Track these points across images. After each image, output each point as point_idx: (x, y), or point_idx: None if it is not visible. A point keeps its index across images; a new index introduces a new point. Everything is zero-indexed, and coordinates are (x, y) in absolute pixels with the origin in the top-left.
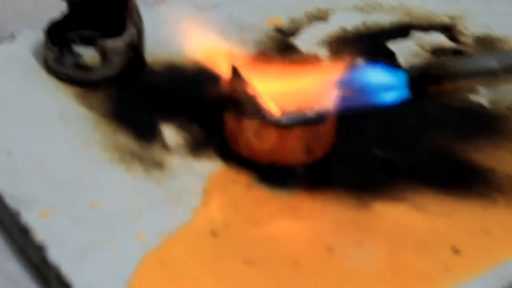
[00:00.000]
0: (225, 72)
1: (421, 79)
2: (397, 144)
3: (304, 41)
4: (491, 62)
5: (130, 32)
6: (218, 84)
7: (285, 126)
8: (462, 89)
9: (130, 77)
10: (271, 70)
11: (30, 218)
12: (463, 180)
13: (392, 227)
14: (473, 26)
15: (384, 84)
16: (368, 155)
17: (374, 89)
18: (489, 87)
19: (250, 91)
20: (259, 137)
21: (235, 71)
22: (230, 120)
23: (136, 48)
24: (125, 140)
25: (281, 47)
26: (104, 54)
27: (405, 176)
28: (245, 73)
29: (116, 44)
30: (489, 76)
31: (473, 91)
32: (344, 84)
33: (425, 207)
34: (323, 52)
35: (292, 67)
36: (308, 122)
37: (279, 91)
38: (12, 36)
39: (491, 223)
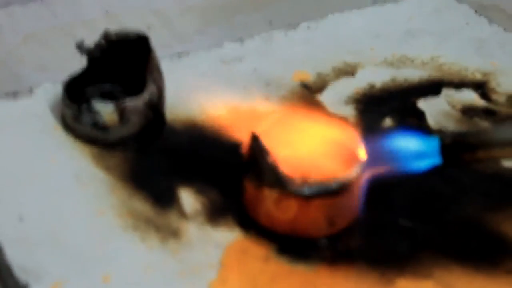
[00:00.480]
0: (246, 134)
1: (455, 146)
2: (424, 214)
3: (331, 98)
4: None
5: (150, 91)
6: (239, 147)
7: (306, 197)
8: (496, 157)
9: (149, 137)
10: (294, 135)
11: None
12: (493, 255)
13: None
14: (506, 82)
15: (415, 151)
16: (393, 226)
17: (405, 155)
18: None
19: (270, 160)
20: (279, 207)
21: (255, 138)
22: (249, 188)
23: (155, 107)
24: (141, 205)
25: (307, 104)
26: (122, 114)
27: (432, 249)
28: (265, 140)
29: (135, 103)
30: None
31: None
32: (373, 150)
33: (452, 284)
34: (349, 110)
35: (317, 132)
36: (331, 193)
37: (302, 158)
38: (30, 90)
39: None
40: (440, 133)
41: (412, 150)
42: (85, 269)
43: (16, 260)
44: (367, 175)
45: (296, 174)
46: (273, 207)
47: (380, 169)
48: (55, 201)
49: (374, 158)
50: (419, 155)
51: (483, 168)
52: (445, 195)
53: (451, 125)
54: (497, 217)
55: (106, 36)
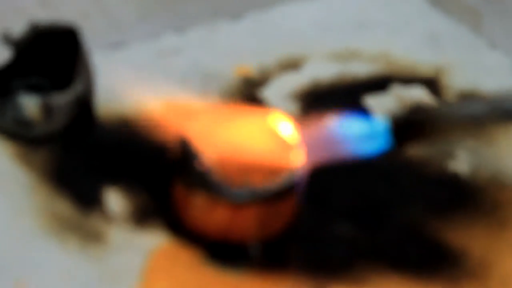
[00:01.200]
0: (180, 133)
1: (405, 127)
2: (363, 219)
3: (274, 93)
4: (477, 107)
5: (77, 87)
6: (171, 148)
7: (238, 203)
8: (446, 135)
9: (77, 134)
10: (231, 132)
11: None
12: (432, 263)
13: None
14: (458, 79)
15: (365, 134)
16: (330, 231)
17: (354, 140)
18: (475, 131)
19: (200, 164)
20: (210, 213)
21: (184, 141)
22: (178, 191)
23: (84, 103)
24: (63, 207)
25: (248, 100)
26: (47, 109)
27: (370, 257)
28: (200, 138)
29: (61, 99)
30: (475, 121)
31: (451, 157)
32: (316, 139)
33: None
34: (293, 106)
35: (255, 129)
36: (263, 199)
37: (238, 158)
38: None
39: None
40: (390, 115)
41: (359, 133)
42: None
43: None
44: (305, 175)
45: (230, 176)
46: (203, 212)
47: (323, 159)
48: None
49: (317, 147)
50: (369, 138)
51: (426, 171)
52: (385, 199)
53: None
54: (439, 223)
55: (34, 28)
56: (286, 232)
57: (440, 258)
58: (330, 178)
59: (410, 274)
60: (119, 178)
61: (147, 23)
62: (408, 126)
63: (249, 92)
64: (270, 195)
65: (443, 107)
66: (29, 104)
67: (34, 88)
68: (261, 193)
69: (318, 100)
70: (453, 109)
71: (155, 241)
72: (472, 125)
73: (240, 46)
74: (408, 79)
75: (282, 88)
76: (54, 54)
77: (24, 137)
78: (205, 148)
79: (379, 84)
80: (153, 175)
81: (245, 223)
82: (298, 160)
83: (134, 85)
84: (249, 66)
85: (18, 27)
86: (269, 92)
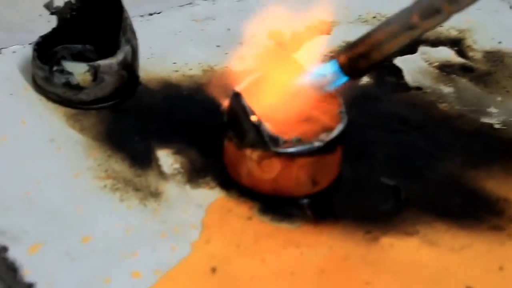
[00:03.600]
0: (222, 94)
1: (351, 60)
2: (406, 172)
3: (306, 56)
4: (404, 16)
5: (124, 51)
6: (216, 106)
7: (290, 156)
8: (391, 53)
9: (124, 97)
10: (273, 94)
11: (19, 254)
12: (476, 212)
13: (403, 264)
14: (482, 40)
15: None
16: (376, 183)
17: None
18: (417, 38)
19: (253, 118)
20: (262, 167)
21: (237, 96)
22: (230, 148)
23: (130, 67)
24: (119, 166)
25: (283, 63)
26: (96, 74)
27: (415, 206)
28: (247, 98)
29: (108, 63)
30: (409, 30)
31: (483, 113)
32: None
33: (436, 241)
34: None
35: (295, 90)
36: (314, 152)
37: (282, 117)
38: None
39: (506, 258)
40: (336, 54)
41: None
42: (64, 231)
43: None
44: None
45: (277, 133)
46: (255, 167)
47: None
48: (30, 163)
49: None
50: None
51: (461, 125)
52: (425, 152)
53: (428, 82)
54: (478, 174)
55: None
56: (334, 185)
57: (482, 207)
58: (370, 134)
59: (456, 222)
60: (168, 138)
61: None
62: (353, 59)
63: (283, 56)
64: (319, 147)
65: (375, 29)
66: (78, 70)
67: (77, 56)
68: (311, 146)
69: None
70: (384, 26)
71: (209, 197)
72: (409, 34)
73: (271, 13)
74: (434, 41)
75: (314, 51)
76: (96, 21)
77: (74, 101)
78: (254, 104)
79: (407, 45)
80: (199, 134)
81: (296, 176)
82: (341, 114)
83: (171, 50)
84: (281, 32)
85: None
86: (301, 55)
